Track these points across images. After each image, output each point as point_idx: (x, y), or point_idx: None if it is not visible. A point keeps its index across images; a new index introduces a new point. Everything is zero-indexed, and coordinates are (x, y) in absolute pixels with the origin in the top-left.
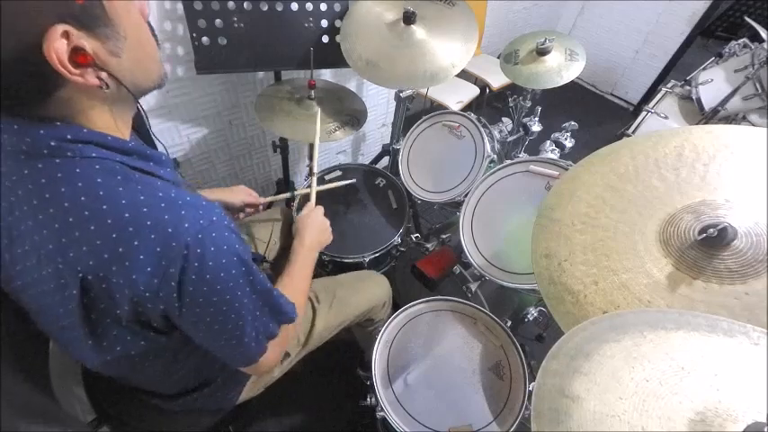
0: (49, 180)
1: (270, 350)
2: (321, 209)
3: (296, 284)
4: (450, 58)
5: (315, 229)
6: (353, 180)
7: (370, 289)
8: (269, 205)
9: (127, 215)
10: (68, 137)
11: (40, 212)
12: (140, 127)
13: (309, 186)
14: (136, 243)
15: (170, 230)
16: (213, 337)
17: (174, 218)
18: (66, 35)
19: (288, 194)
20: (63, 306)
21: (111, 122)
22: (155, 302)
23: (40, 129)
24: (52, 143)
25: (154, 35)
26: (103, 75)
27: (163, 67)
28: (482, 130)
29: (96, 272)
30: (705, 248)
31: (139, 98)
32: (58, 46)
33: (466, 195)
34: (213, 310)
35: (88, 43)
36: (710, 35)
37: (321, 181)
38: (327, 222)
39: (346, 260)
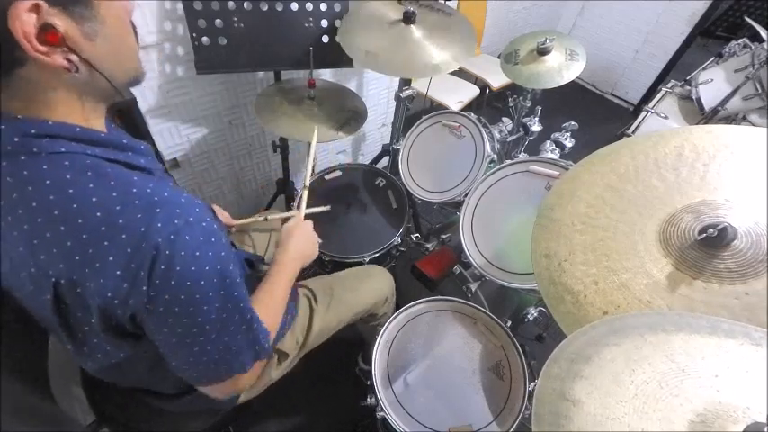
0: (16, 179)
1: (234, 379)
2: (310, 223)
3: (272, 300)
4: (450, 56)
5: (300, 240)
6: (328, 207)
7: (370, 286)
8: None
9: (98, 214)
10: (32, 131)
11: (8, 214)
12: (139, 128)
13: (299, 200)
14: (106, 243)
15: (142, 230)
16: (171, 347)
17: (148, 217)
18: (35, 8)
19: (261, 218)
20: (43, 310)
21: (79, 112)
22: (124, 309)
23: (2, 125)
24: (15, 139)
25: (135, 34)
26: (74, 57)
27: (141, 64)
28: (482, 130)
29: (69, 276)
30: (705, 248)
31: (120, 90)
32: (24, 19)
33: (466, 195)
34: (172, 321)
35: (61, 21)
36: (710, 35)
37: (322, 181)
38: (315, 237)
39: (346, 260)
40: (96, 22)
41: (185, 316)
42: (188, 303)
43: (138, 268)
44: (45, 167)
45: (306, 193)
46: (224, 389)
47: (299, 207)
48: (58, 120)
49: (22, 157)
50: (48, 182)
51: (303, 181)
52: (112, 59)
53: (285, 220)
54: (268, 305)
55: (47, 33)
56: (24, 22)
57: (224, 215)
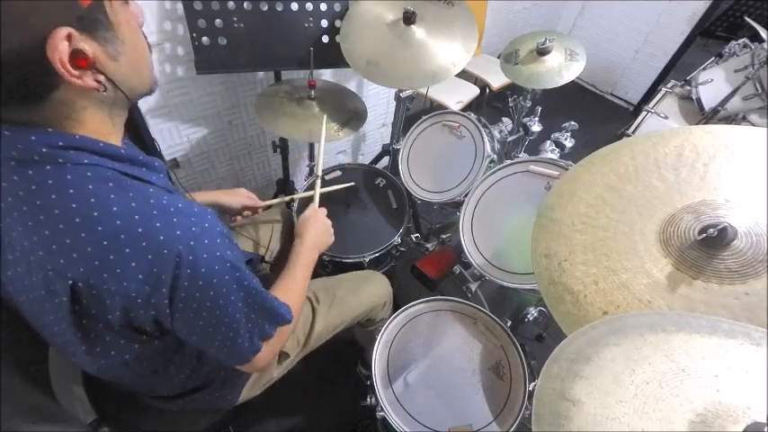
0: (40, 187)
1: (264, 349)
2: (324, 210)
3: (294, 286)
4: (451, 57)
5: (316, 230)
6: (353, 183)
7: (371, 289)
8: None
9: (118, 222)
10: (60, 143)
11: (29, 219)
12: (139, 128)
13: (311, 188)
14: (127, 251)
15: (162, 238)
16: (207, 339)
17: (166, 225)
18: (68, 37)
19: (287, 198)
20: (54, 312)
21: (104, 127)
22: (146, 309)
23: (32, 135)
24: (43, 150)
25: (148, 44)
26: (101, 78)
27: (154, 74)
28: (482, 130)
29: (87, 279)
30: (705, 248)
31: (134, 102)
32: (61, 48)
33: (466, 195)
34: (206, 315)
35: (89, 46)
36: (710, 35)
37: (322, 182)
38: (329, 224)
39: (346, 260)
40: (118, 43)
41: (216, 308)
42: (217, 298)
43: (160, 273)
44: (69, 177)
45: (319, 182)
46: (254, 363)
47: (313, 198)
48: (85, 134)
49: (48, 167)
50: (71, 191)
51: (315, 171)
52: (133, 75)
53: (287, 211)
54: (289, 294)
55: (77, 58)
56: (61, 51)
57: (252, 197)
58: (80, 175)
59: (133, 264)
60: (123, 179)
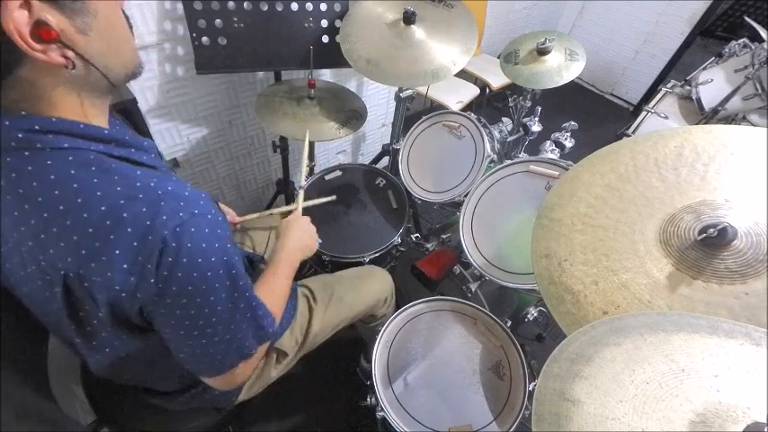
0: (20, 175)
1: (240, 368)
2: (308, 218)
3: (276, 285)
4: (451, 57)
5: (298, 233)
6: (334, 197)
7: (371, 286)
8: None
9: (103, 208)
10: (36, 127)
11: (15, 209)
12: (139, 128)
13: (296, 199)
14: (112, 237)
15: (147, 223)
16: (178, 339)
17: (152, 210)
18: (26, 5)
19: (266, 212)
20: (51, 304)
21: (79, 109)
22: (132, 303)
23: (5, 120)
24: (19, 135)
25: (129, 24)
26: (70, 53)
27: (138, 55)
28: (482, 130)
29: (76, 270)
30: (705, 248)
31: (116, 85)
32: (17, 16)
33: (466, 195)
34: (180, 313)
35: (53, 17)
36: (710, 35)
37: (322, 181)
38: (314, 229)
39: (346, 260)
40: (89, 16)
41: (193, 308)
42: (196, 295)
43: (146, 261)
44: (49, 163)
45: (302, 192)
46: (229, 379)
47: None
48: (61, 116)
49: (26, 153)
50: (52, 177)
51: (300, 181)
52: (108, 53)
53: (286, 214)
54: (270, 295)
55: (40, 30)
56: (16, 20)
57: (229, 212)
58: (61, 160)
59: (117, 251)
60: (107, 161)
